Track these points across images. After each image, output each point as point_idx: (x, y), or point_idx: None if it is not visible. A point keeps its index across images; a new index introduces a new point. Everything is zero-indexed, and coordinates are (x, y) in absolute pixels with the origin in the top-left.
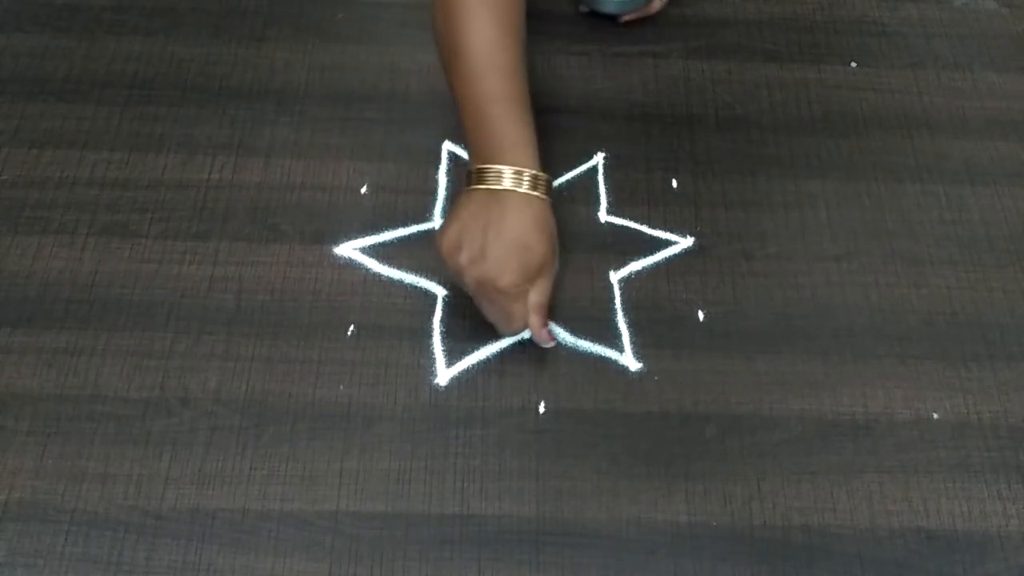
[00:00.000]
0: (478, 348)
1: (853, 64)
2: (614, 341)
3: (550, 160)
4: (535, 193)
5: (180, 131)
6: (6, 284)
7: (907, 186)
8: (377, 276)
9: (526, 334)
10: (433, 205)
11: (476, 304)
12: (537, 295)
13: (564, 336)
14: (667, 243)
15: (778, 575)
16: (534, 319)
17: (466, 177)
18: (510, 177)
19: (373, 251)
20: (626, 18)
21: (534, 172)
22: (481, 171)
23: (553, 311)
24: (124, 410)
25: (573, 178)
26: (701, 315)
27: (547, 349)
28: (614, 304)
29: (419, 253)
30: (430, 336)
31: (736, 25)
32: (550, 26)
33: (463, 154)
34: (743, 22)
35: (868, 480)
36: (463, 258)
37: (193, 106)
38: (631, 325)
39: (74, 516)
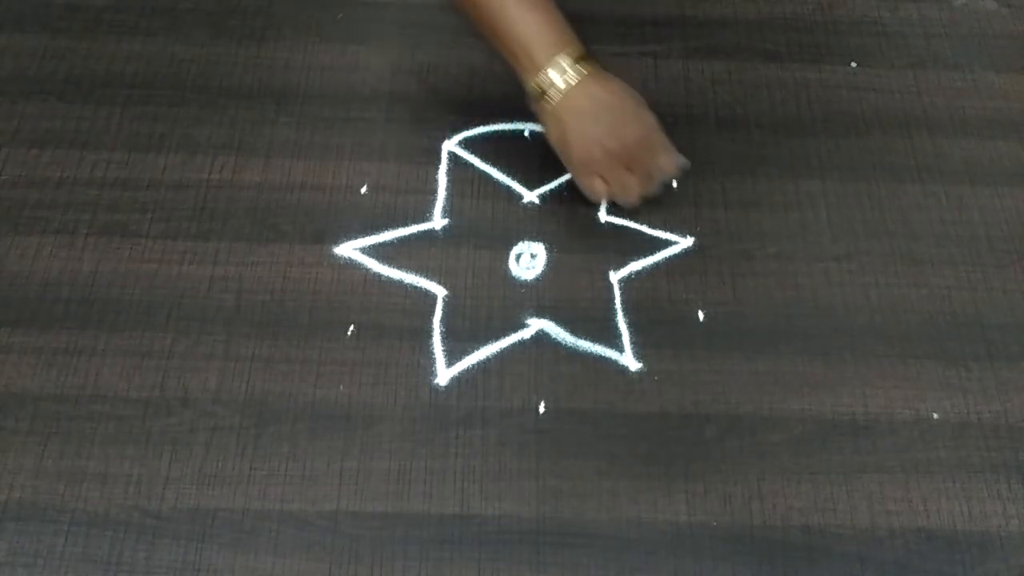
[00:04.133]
0: (478, 348)
1: (853, 64)
2: (614, 341)
3: (550, 160)
4: (582, 73)
5: (180, 131)
6: (6, 284)
7: (907, 186)
8: (377, 276)
9: (526, 334)
10: (433, 205)
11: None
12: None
13: (564, 336)
14: (667, 243)
15: (778, 575)
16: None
17: (531, 102)
18: (554, 78)
19: (373, 251)
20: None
21: (570, 58)
22: (538, 86)
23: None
24: (124, 410)
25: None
26: (701, 315)
27: (547, 349)
28: (614, 304)
29: (419, 253)
30: (430, 336)
31: (736, 25)
32: None
33: (463, 154)
34: (743, 22)
35: (868, 480)
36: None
37: (193, 106)
38: (631, 325)
39: (74, 516)
